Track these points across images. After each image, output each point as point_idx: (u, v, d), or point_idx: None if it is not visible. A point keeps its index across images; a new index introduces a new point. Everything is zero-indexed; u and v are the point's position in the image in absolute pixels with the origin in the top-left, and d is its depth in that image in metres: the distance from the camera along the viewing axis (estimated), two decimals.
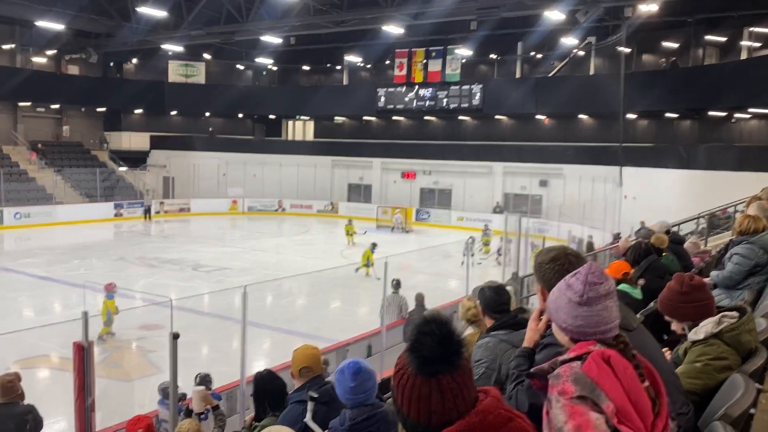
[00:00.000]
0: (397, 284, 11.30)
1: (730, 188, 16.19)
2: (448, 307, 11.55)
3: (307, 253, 22.53)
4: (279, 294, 16.88)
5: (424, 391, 1.49)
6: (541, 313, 2.16)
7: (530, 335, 2.19)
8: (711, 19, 27.17)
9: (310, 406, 3.26)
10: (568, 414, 1.49)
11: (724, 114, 27.34)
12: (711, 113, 27.40)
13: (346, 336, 10.85)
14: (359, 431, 2.76)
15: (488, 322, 3.30)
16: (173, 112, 38.86)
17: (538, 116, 32.70)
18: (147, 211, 31.45)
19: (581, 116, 32.03)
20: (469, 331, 5.00)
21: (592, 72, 31.25)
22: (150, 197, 32.32)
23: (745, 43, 26.56)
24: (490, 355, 3.03)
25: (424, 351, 1.51)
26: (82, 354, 5.49)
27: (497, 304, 3.28)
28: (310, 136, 41.73)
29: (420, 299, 10.45)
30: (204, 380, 6.66)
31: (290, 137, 42.34)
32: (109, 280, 13.32)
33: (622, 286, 4.45)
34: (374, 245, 18.83)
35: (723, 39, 27.74)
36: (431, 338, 1.51)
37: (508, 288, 4.02)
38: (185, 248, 23.16)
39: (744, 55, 26.30)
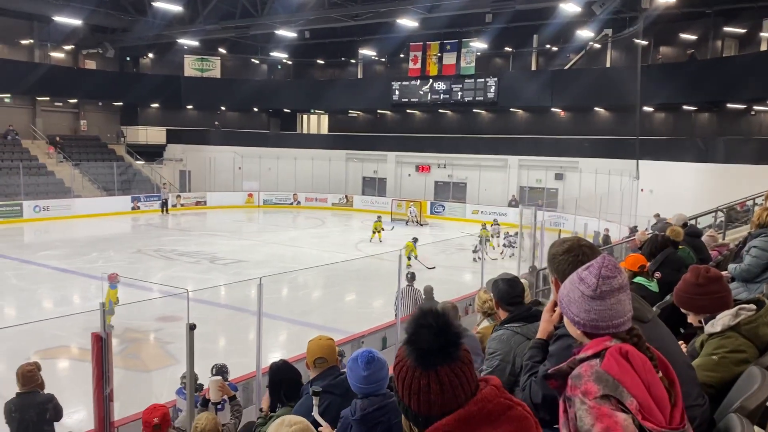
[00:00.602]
0: (411, 277, 11.32)
1: (749, 182, 15.97)
2: (461, 300, 11.55)
3: (322, 246, 22.62)
4: (294, 286, 16.97)
5: (423, 383, 1.49)
6: (556, 304, 2.13)
7: (544, 326, 2.18)
8: (730, 11, 26.73)
9: (315, 400, 3.27)
10: (595, 416, 1.49)
11: (743, 106, 26.94)
12: (730, 105, 27.00)
13: (361, 328, 10.89)
14: (370, 421, 2.77)
15: (502, 315, 3.28)
16: (189, 107, 39.08)
17: (554, 109, 32.46)
18: (164, 205, 31.70)
19: (597, 109, 31.74)
20: (484, 324, 4.99)
21: (608, 64, 30.92)
22: (167, 190, 32.56)
23: (764, 34, 26.10)
24: (504, 348, 3.02)
25: (421, 343, 1.51)
26: (101, 344, 5.57)
27: (511, 297, 3.27)
28: (324, 129, 41.79)
29: (429, 292, 10.43)
30: (220, 371, 6.72)
31: (305, 131, 42.44)
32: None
33: (639, 279, 4.42)
34: (415, 239, 19.12)
35: (742, 30, 27.28)
36: (428, 330, 1.51)
37: (523, 280, 4.01)
38: (202, 241, 23.35)
39: (764, 47, 25.86)
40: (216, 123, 38.65)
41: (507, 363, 2.98)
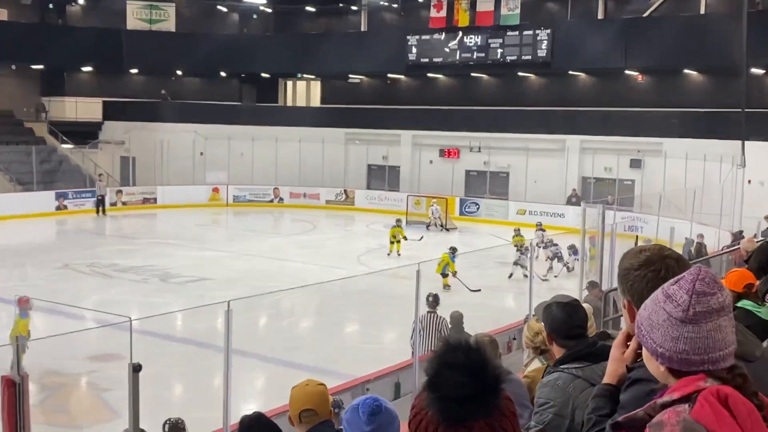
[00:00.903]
0: (434, 301, 11.32)
1: None
2: (502, 332, 11.54)
3: (314, 259, 22.66)
4: (276, 313, 17.01)
5: None
6: (629, 337, 2.13)
7: (613, 368, 2.17)
8: None
9: None
10: None
11: None
12: None
13: (367, 370, 10.88)
14: None
15: (557, 352, 3.29)
16: (133, 71, 39.32)
17: (629, 72, 32.35)
18: (100, 203, 31.94)
19: (688, 72, 31.62)
20: (535, 366, 4.97)
21: (702, 10, 30.79)
22: (104, 184, 32.80)
23: None
24: (559, 397, 3.02)
25: (448, 389, 1.51)
26: (13, 391, 5.60)
27: (569, 327, 3.26)
28: (316, 101, 41.91)
29: (457, 320, 10.41)
30: (175, 427, 6.76)
31: (289, 103, 42.52)
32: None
33: (744, 303, 4.39)
34: (454, 249, 19.21)
35: None
36: (457, 371, 1.51)
37: (585, 305, 3.99)
38: (151, 252, 23.47)
39: None
40: (163, 92, 38.76)
41: (563, 418, 2.99)
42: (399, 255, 22.10)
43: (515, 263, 20.10)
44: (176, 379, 12.94)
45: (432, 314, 11.02)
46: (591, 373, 2.98)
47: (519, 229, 23.07)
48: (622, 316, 2.36)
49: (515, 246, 20.88)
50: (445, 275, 18.76)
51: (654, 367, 1.76)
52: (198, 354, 13.58)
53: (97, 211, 31.70)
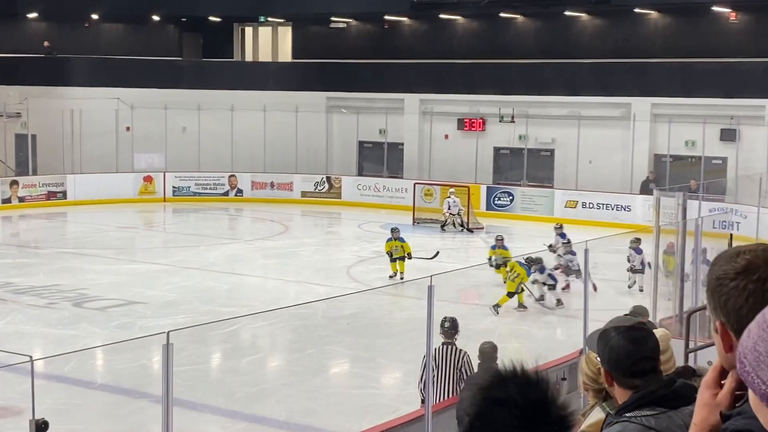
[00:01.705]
0: (451, 327, 11.31)
1: None
2: (551, 368, 11.55)
3: (285, 273, 22.66)
4: (233, 349, 17.01)
5: None
6: (724, 373, 2.11)
7: (703, 416, 2.15)
8: None
9: None
10: None
11: None
12: None
13: (358, 425, 10.87)
14: None
15: (620, 396, 3.29)
16: (31, 15, 39.27)
17: (717, 8, 32.35)
18: None
19: None
20: (596, 417, 4.96)
21: None
22: None
23: None
24: None
25: None
26: None
27: (634, 361, 3.26)
28: (286, 54, 41.88)
29: (488, 354, 10.38)
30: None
31: (249, 58, 42.46)
32: None
33: None
34: (532, 263, 19.38)
35: None
36: (510, 413, 1.53)
37: (660, 331, 3.97)
38: (59, 266, 23.48)
39: None
40: (47, 44, 38.27)
41: None
42: (403, 279, 21.52)
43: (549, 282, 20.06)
44: None
45: (449, 347, 11.01)
46: (669, 423, 2.98)
47: (501, 238, 22.55)
48: (711, 345, 2.35)
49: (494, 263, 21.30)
50: (517, 292, 18.89)
51: (765, 415, 1.76)
52: (126, 406, 13.53)
53: None
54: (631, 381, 3.23)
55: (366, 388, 15.01)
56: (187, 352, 13.99)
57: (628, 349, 3.27)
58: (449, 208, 30.26)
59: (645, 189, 30.42)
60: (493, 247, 22.02)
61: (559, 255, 21.11)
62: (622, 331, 3.33)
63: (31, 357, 6.88)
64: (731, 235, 18.62)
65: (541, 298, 19.60)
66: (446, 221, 30.19)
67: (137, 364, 14.70)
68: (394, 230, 22.89)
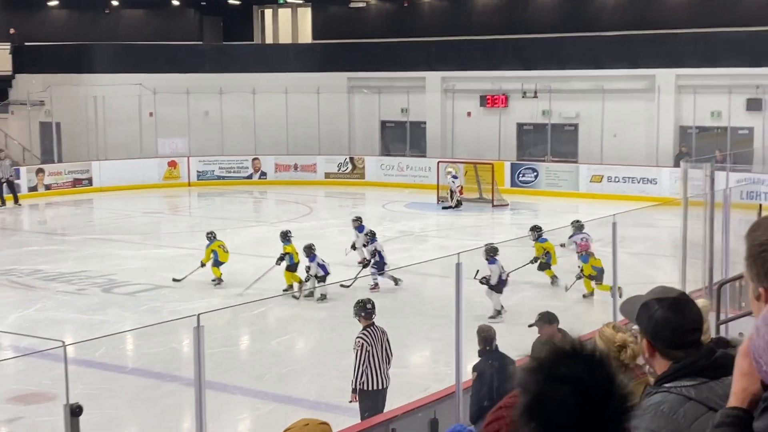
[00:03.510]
0: (372, 309, 11.20)
1: None
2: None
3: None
4: (262, 331, 17.05)
5: None
6: None
7: (742, 385, 2.16)
8: None
9: None
10: None
11: None
12: None
13: (390, 404, 10.88)
14: None
15: (660, 366, 3.23)
16: (52, 3, 39.32)
17: None
18: (9, 187, 31.54)
19: None
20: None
21: None
22: (8, 163, 32.25)
23: None
24: (665, 427, 2.99)
25: (559, 415, 1.49)
26: None
27: (679, 332, 3.20)
28: (306, 35, 41.80)
29: (487, 336, 10.28)
30: None
31: (269, 40, 42.41)
32: None
33: None
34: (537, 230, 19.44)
35: None
36: (574, 390, 1.49)
37: (698, 303, 3.94)
38: (87, 253, 23.54)
39: None
40: (13, 32, 37.91)
41: None
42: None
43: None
44: (129, 426, 12.99)
45: (373, 327, 11.04)
46: (709, 393, 2.96)
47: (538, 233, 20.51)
48: (742, 316, 2.35)
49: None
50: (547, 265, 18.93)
51: None
52: (158, 389, 13.60)
53: (3, 201, 31.11)
54: (674, 353, 3.18)
55: (396, 367, 14.95)
56: (217, 334, 14.05)
57: (673, 321, 3.22)
58: (453, 181, 30.09)
59: (679, 159, 30.21)
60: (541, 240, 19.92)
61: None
62: (667, 303, 3.27)
63: (63, 342, 6.91)
64: (760, 205, 18.46)
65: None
66: (450, 193, 30.00)
67: (167, 347, 14.78)
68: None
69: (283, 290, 18.70)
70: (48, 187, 33.55)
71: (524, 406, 1.51)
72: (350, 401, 10.95)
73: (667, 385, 3.09)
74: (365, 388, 10.73)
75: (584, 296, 18.30)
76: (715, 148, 28.98)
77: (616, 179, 31.26)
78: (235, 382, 13.69)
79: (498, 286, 16.98)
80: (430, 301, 17.92)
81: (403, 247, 23.98)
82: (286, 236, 19.50)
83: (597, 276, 17.77)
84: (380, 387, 10.75)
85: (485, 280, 16.93)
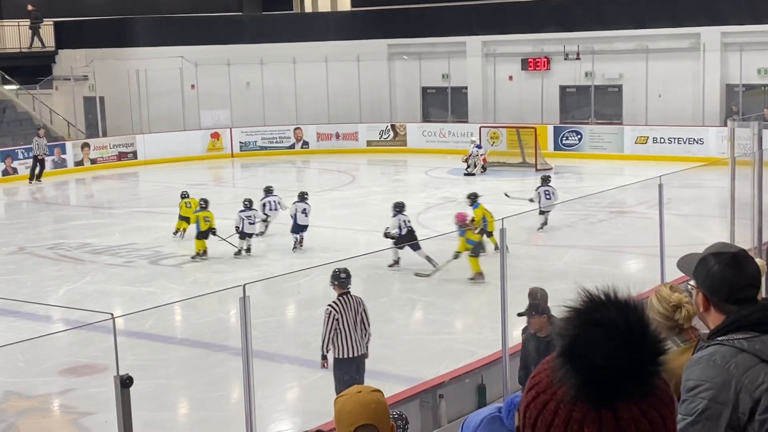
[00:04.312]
0: (347, 277, 11.19)
1: None
2: None
3: (355, 223, 22.76)
4: (307, 300, 17.13)
5: None
6: None
7: None
8: None
9: None
10: None
11: None
12: None
13: (436, 369, 10.93)
14: None
15: (714, 320, 3.28)
16: None
17: None
18: (37, 167, 31.16)
19: None
20: (671, 349, 4.94)
21: None
22: (44, 141, 31.72)
23: None
24: (716, 377, 3.04)
25: (594, 356, 1.52)
26: None
27: (736, 287, 3.24)
28: (345, 3, 41.69)
29: (539, 299, 10.20)
30: None
31: (308, 9, 42.39)
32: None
33: None
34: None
35: None
36: (609, 334, 1.53)
37: (758, 262, 3.92)
38: (133, 226, 23.77)
39: None
40: (31, 8, 37.58)
41: (722, 405, 3.02)
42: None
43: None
44: (179, 396, 13.13)
45: (346, 296, 10.97)
46: (762, 346, 2.99)
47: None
48: None
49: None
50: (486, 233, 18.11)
51: None
52: (207, 359, 13.76)
53: (31, 178, 31.15)
54: (729, 307, 3.22)
55: (440, 334, 15.04)
56: (262, 305, 14.13)
57: (731, 276, 3.26)
58: (474, 151, 30.00)
59: (730, 117, 29.93)
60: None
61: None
62: (726, 258, 3.31)
63: (112, 314, 6.98)
64: None
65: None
66: (470, 164, 29.92)
67: (215, 318, 14.91)
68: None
69: (191, 257, 19.46)
70: (93, 162, 33.87)
71: (560, 349, 1.57)
72: (321, 366, 11.03)
73: (720, 338, 3.13)
74: (337, 355, 10.71)
75: (470, 279, 17.10)
76: (763, 106, 28.63)
77: (662, 140, 31.00)
78: (282, 351, 13.79)
79: (403, 239, 17.75)
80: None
81: (447, 214, 23.89)
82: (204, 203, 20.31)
83: (474, 250, 17.29)
84: (352, 355, 10.67)
85: (389, 234, 17.97)
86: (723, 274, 3.26)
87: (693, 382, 3.08)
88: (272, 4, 41.34)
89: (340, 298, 10.97)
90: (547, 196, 20.70)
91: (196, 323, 15.32)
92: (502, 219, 9.76)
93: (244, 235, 19.59)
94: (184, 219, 21.11)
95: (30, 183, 31.14)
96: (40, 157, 31.29)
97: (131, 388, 6.17)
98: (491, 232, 17.89)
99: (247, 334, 7.44)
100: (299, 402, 12.16)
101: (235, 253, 19.42)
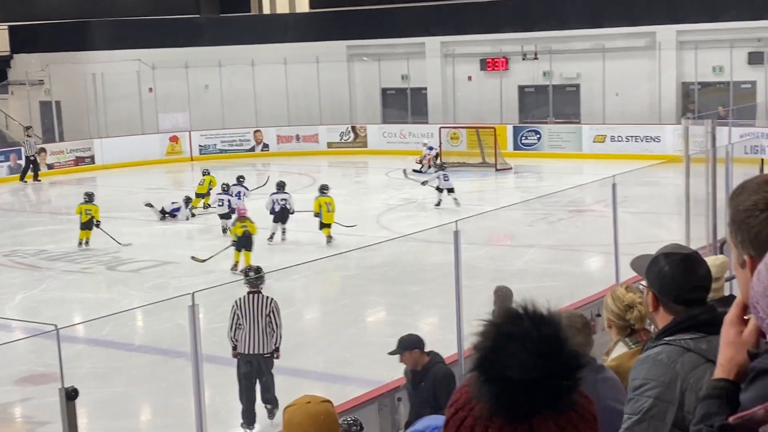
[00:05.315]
0: (256, 277, 11.55)
1: None
2: (585, 305, 11.52)
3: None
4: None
5: None
6: (747, 308, 2.07)
7: (729, 355, 2.13)
8: None
9: None
10: None
11: None
12: None
13: (397, 372, 10.91)
14: None
15: (662, 320, 3.30)
16: None
17: None
18: (30, 167, 31.63)
19: None
20: (619, 351, 4.96)
21: None
22: (34, 141, 32.27)
23: None
24: (662, 375, 3.05)
25: (507, 369, 1.52)
26: None
27: (685, 288, 3.26)
28: (304, 5, 41.60)
29: (504, 298, 10.31)
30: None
31: (267, 10, 42.25)
32: None
33: None
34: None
35: None
36: (523, 346, 1.52)
37: (719, 259, 3.94)
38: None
39: None
40: None
41: (668, 403, 3.03)
42: (330, 242, 21.07)
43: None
44: (139, 403, 13.04)
45: (255, 295, 11.22)
46: (708, 346, 3.00)
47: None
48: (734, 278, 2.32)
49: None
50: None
51: None
52: (165, 365, 13.69)
53: (23, 177, 31.65)
54: (678, 308, 3.25)
55: (402, 335, 15.02)
56: (221, 308, 14.04)
57: (681, 276, 3.29)
58: (428, 150, 30.12)
59: (685, 116, 30.23)
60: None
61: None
62: (677, 258, 3.34)
63: (55, 326, 6.90)
64: (762, 159, 18.44)
65: None
66: (423, 166, 29.90)
67: (174, 323, 14.78)
68: (323, 189, 22.39)
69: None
70: (50, 167, 33.54)
71: (474, 363, 1.57)
72: (233, 356, 11.29)
73: (667, 338, 3.15)
74: (240, 350, 11.10)
75: (232, 269, 18.23)
76: (718, 103, 28.91)
77: (620, 138, 31.23)
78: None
79: (277, 216, 20.81)
80: (434, 268, 17.91)
81: (408, 215, 23.96)
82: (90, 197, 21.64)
83: (237, 243, 18.42)
84: (251, 352, 11.03)
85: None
86: (673, 274, 3.29)
87: (639, 381, 3.09)
88: (230, 6, 41.14)
89: (248, 295, 11.25)
90: (446, 179, 23.95)
91: (155, 329, 15.21)
92: (456, 221, 9.76)
93: (222, 217, 21.75)
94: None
95: (25, 183, 31.54)
96: (32, 158, 31.53)
97: (90, 396, 6.11)
98: (325, 224, 20.38)
99: (196, 342, 7.38)
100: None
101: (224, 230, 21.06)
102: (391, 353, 9.02)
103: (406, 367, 9.16)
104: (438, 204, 24.00)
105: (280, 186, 21.48)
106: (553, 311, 1.59)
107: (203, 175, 25.88)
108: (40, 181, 31.76)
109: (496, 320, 1.58)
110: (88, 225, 21.04)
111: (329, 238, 20.34)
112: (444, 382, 8.64)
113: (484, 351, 1.55)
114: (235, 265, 18.37)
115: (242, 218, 18.82)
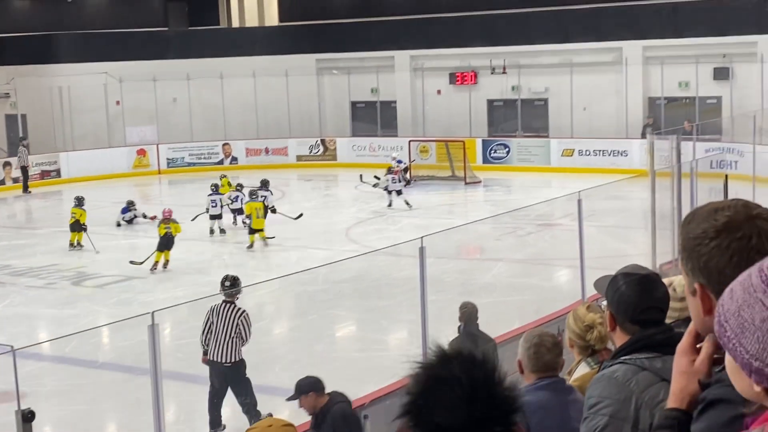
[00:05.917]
0: (231, 286, 11.92)
1: None
2: (551, 321, 11.54)
3: (284, 238, 22.66)
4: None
5: None
6: (699, 338, 2.08)
7: (681, 384, 2.13)
8: None
9: None
10: None
11: None
12: None
13: (366, 387, 10.88)
14: None
15: (619, 340, 3.31)
16: None
17: None
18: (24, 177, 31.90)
19: None
20: (582, 371, 4.97)
21: None
22: (27, 151, 32.29)
23: None
24: (618, 394, 3.04)
25: (435, 415, 1.51)
26: None
27: (639, 308, 3.27)
28: (273, 18, 41.62)
29: (469, 314, 10.29)
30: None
31: (236, 24, 42.21)
32: None
33: None
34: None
35: None
36: (451, 391, 1.52)
37: (672, 280, 3.95)
38: (57, 246, 23.39)
39: None
40: None
41: (622, 421, 3.03)
42: (267, 243, 21.61)
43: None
44: (102, 420, 12.96)
45: (228, 305, 11.52)
46: (664, 365, 2.99)
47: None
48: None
49: None
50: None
51: (744, 384, 1.72)
52: (130, 382, 13.57)
53: (25, 189, 31.92)
54: (634, 328, 3.26)
55: (370, 351, 15.03)
56: (188, 324, 13.97)
57: (637, 297, 3.30)
58: (395, 164, 29.70)
59: (645, 131, 30.44)
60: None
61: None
62: (635, 279, 3.36)
63: (11, 347, 6.84)
64: (726, 175, 18.57)
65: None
66: (385, 178, 29.47)
67: (137, 340, 14.63)
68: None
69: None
70: (16, 180, 33.32)
71: (404, 408, 1.55)
72: (202, 361, 11.66)
73: (623, 357, 3.15)
74: (210, 357, 11.47)
75: (151, 270, 19.52)
76: (684, 118, 29.14)
77: (587, 152, 31.43)
78: (206, 372, 13.63)
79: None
80: (402, 283, 17.92)
81: (377, 228, 23.99)
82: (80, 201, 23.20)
83: (159, 244, 19.80)
84: (221, 360, 11.36)
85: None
86: (629, 294, 3.30)
87: (594, 399, 3.09)
88: (198, 19, 41.08)
89: (222, 304, 11.56)
90: (394, 182, 25.88)
91: (118, 346, 15.09)
92: (422, 237, 9.76)
93: (213, 217, 23.55)
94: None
95: (29, 192, 31.91)
96: (24, 167, 31.89)
97: (51, 414, 6.05)
98: (254, 230, 21.41)
99: (156, 362, 7.32)
100: (228, 421, 12.02)
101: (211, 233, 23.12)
102: (289, 399, 8.93)
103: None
104: (390, 205, 25.70)
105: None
106: (486, 355, 1.58)
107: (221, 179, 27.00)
108: (30, 192, 31.94)
109: (425, 364, 1.57)
110: (74, 227, 22.40)
111: (265, 241, 21.52)
112: (343, 423, 8.57)
113: (413, 396, 1.54)
114: (155, 265, 19.52)
115: (166, 220, 20.23)
